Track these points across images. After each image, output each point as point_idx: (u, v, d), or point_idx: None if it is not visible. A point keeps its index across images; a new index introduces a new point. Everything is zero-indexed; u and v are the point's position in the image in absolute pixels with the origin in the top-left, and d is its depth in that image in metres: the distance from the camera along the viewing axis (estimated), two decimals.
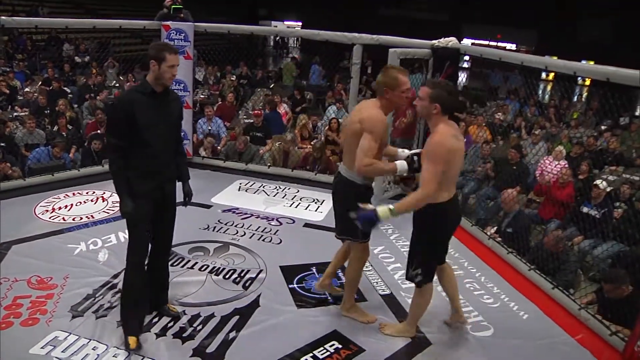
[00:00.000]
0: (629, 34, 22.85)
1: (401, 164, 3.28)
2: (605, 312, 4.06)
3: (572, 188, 6.55)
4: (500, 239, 5.33)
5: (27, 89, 11.13)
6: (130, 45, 18.60)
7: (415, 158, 3.31)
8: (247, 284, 4.17)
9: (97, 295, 3.85)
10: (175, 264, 4.35)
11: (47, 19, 10.00)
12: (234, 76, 13.39)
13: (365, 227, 3.17)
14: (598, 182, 6.22)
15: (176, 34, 6.58)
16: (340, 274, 4.25)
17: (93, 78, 11.80)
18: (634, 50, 17.15)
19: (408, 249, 3.49)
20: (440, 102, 3.07)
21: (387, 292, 4.25)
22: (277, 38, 29.91)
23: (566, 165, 7.30)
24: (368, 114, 3.30)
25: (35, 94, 10.35)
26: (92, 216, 5.25)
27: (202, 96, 11.34)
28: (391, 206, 3.08)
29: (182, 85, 6.73)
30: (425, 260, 3.38)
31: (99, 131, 7.87)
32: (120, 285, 3.97)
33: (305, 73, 15.27)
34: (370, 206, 3.12)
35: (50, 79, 11.54)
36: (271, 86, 13.90)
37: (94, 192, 5.87)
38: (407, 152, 3.54)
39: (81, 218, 5.19)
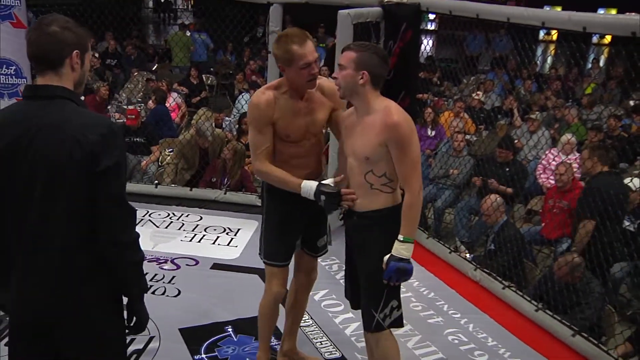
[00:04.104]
0: None
1: (307, 185, 3.18)
2: None
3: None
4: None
5: None
6: None
7: (330, 187, 3.19)
8: None
9: None
10: None
11: None
12: (97, 54, 13.07)
13: (401, 278, 3.15)
14: (627, 180, 6.22)
15: None
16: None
17: None
18: None
19: (361, 286, 3.36)
20: (369, 69, 3.01)
21: (338, 355, 4.29)
22: None
23: (577, 160, 7.37)
24: None
25: None
26: None
27: None
28: (400, 237, 3.08)
29: (14, 68, 6.38)
30: (398, 288, 3.31)
31: None
32: None
33: None
34: (386, 257, 3.10)
35: None
36: (154, 68, 13.67)
37: None
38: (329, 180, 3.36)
39: None
